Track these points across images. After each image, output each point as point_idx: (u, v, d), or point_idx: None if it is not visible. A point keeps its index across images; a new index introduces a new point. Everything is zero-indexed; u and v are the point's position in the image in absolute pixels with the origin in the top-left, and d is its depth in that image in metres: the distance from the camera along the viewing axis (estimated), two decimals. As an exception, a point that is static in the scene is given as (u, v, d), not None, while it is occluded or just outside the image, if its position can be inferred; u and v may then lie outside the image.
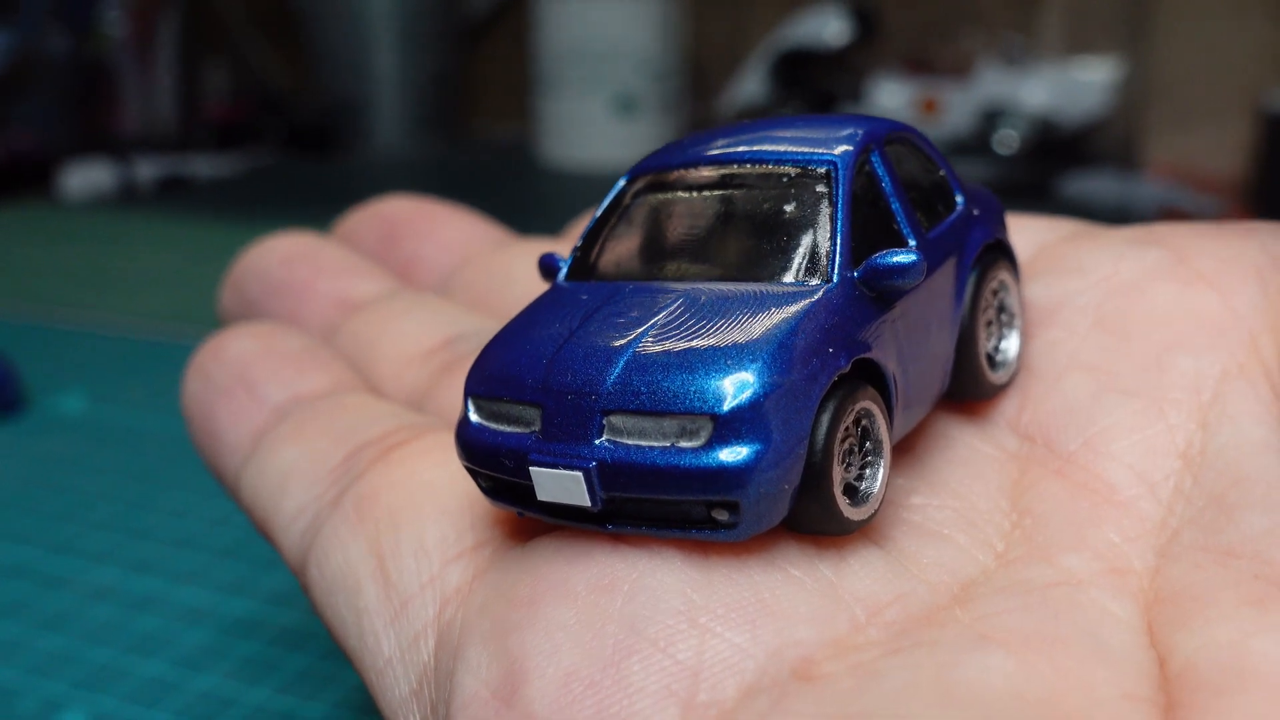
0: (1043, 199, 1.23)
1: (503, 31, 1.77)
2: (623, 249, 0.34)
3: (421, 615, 0.31)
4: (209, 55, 1.71)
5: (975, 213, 0.36)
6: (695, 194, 0.33)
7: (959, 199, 0.36)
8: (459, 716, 0.28)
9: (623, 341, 0.29)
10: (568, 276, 0.34)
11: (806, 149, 0.33)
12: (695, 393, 0.27)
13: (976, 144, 1.27)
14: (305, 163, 1.64)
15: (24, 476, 0.70)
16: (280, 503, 0.37)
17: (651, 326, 0.29)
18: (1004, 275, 0.36)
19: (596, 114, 1.45)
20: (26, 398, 0.81)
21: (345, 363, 0.44)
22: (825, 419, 0.28)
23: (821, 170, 0.32)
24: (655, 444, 0.27)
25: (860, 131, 0.33)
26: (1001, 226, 0.37)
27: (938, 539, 0.30)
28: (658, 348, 0.28)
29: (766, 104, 1.37)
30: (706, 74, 1.57)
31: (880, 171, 0.33)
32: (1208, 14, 1.27)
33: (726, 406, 0.27)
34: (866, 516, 0.29)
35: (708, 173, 0.34)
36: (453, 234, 0.52)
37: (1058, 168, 1.25)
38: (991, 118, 1.27)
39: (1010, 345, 0.36)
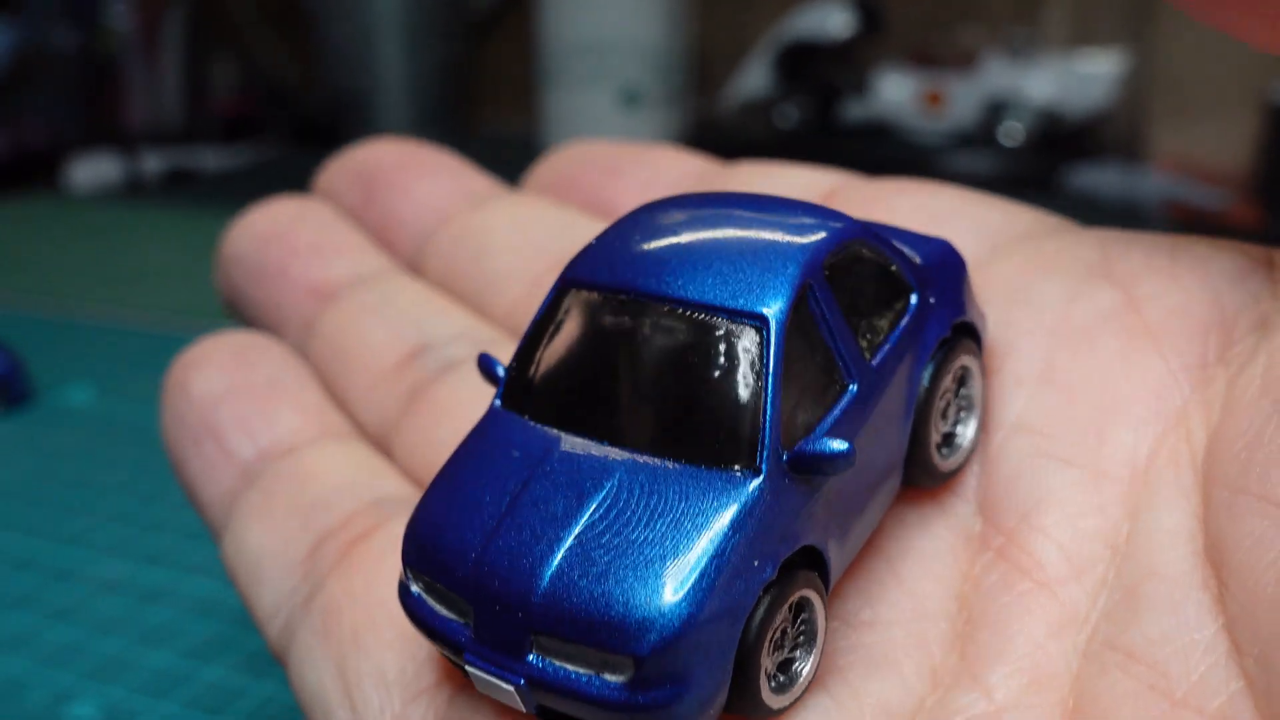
0: (1048, 191, 1.22)
1: (507, 25, 1.76)
2: (552, 382, 0.32)
3: None
4: (215, 49, 1.71)
5: (931, 301, 0.34)
6: (624, 331, 0.31)
7: (912, 297, 0.34)
8: None
9: (548, 546, 0.28)
10: (504, 400, 0.33)
11: (738, 292, 0.30)
12: (617, 630, 0.26)
13: (981, 136, 1.27)
14: (312, 156, 1.63)
15: (32, 469, 0.70)
16: (258, 594, 0.38)
17: (577, 526, 0.28)
18: (965, 360, 0.34)
19: (602, 107, 1.45)
20: (34, 391, 0.81)
21: (316, 384, 0.44)
22: (754, 624, 0.28)
23: (751, 328, 0.30)
24: (581, 670, 0.27)
25: (802, 258, 0.31)
26: (962, 300, 0.35)
27: (885, 667, 0.30)
28: (582, 562, 0.27)
29: (770, 97, 1.37)
30: (711, 67, 1.57)
31: (819, 310, 0.31)
32: (1213, 6, 1.26)
33: (647, 649, 0.26)
34: (791, 702, 0.29)
35: (637, 306, 0.31)
36: (429, 190, 0.51)
37: (1063, 160, 1.25)
38: (996, 110, 1.27)
39: (967, 430, 0.34)
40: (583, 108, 1.47)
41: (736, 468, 0.29)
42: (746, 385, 0.29)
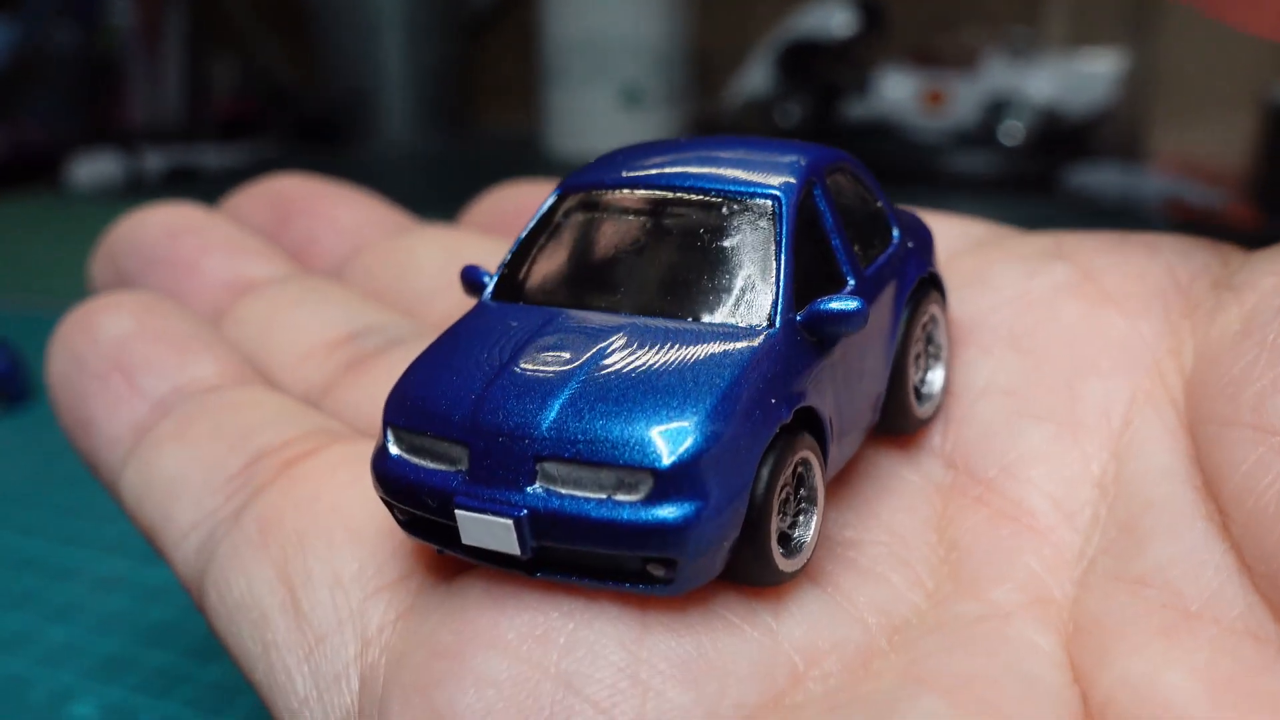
0: (1048, 191, 1.22)
1: (509, 23, 1.77)
2: (552, 271, 0.32)
3: (341, 654, 0.29)
4: (216, 47, 1.71)
5: (909, 246, 0.35)
6: (631, 219, 0.32)
7: (894, 232, 0.35)
8: None
9: (558, 381, 0.27)
10: (494, 296, 0.32)
11: (748, 179, 0.31)
12: (635, 445, 0.26)
13: (982, 136, 1.27)
14: (312, 155, 1.64)
15: (32, 469, 0.70)
16: (170, 514, 0.35)
17: (588, 366, 0.28)
18: (935, 309, 0.36)
19: (603, 106, 1.45)
20: (34, 390, 0.81)
21: (235, 351, 0.40)
22: (765, 472, 0.27)
23: (764, 204, 0.31)
24: (590, 495, 0.26)
25: (803, 162, 0.32)
26: (932, 257, 0.36)
27: (872, 578, 0.30)
28: (595, 391, 0.27)
29: (771, 96, 1.37)
30: (712, 66, 1.57)
31: (821, 206, 0.32)
32: (1214, 6, 1.26)
33: (667, 461, 0.25)
34: (799, 567, 0.29)
35: (644, 197, 0.32)
36: (348, 217, 0.49)
37: (1063, 160, 1.25)
38: (997, 109, 1.27)
39: (936, 378, 0.35)
40: (584, 106, 1.47)
41: (751, 323, 0.29)
42: (760, 252, 0.30)
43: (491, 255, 0.44)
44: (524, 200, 0.50)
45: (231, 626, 0.32)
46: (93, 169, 1.44)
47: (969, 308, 0.37)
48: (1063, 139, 1.27)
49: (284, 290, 0.43)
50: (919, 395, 0.35)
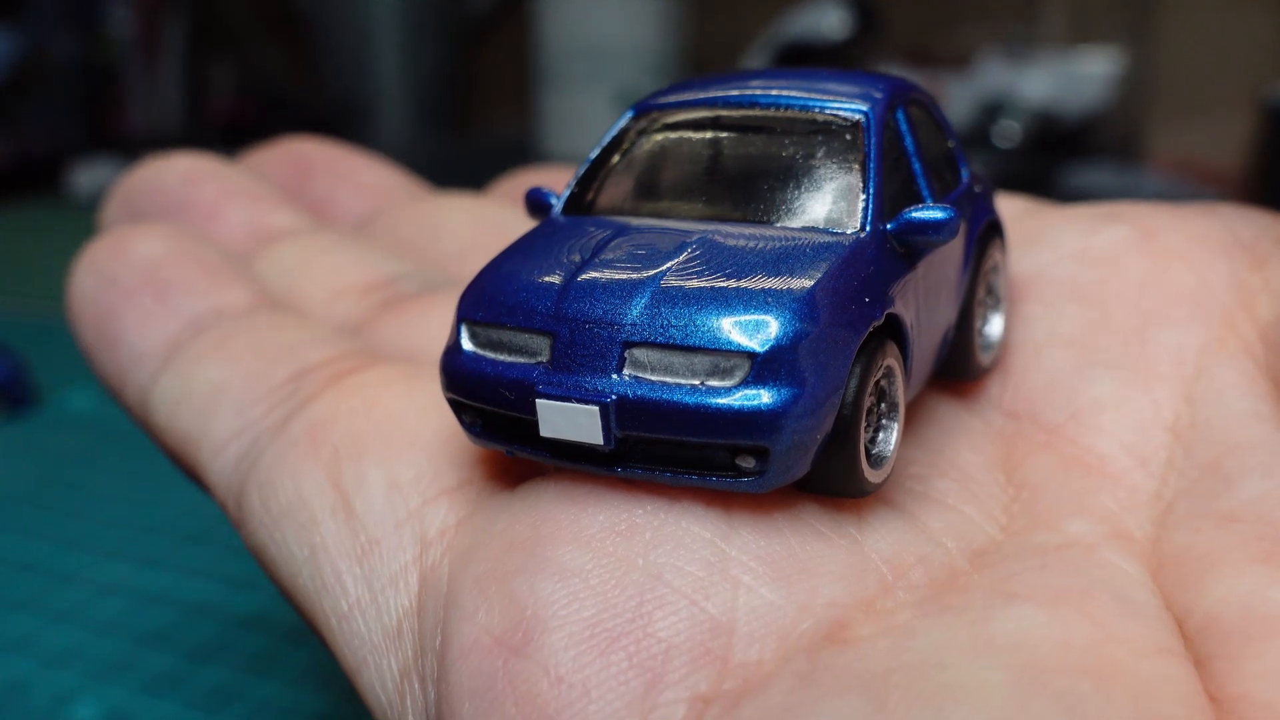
0: (1044, 192, 1.22)
1: (505, 28, 1.77)
2: (627, 186, 0.32)
3: (398, 557, 0.28)
4: (214, 54, 1.71)
5: (977, 189, 0.35)
6: (710, 134, 0.32)
7: (964, 173, 0.35)
8: (458, 666, 0.25)
9: (647, 274, 0.26)
10: (564, 212, 0.32)
11: (834, 98, 0.31)
12: (731, 329, 0.25)
13: (977, 136, 1.27)
14: (311, 160, 1.64)
15: (34, 473, 0.71)
16: (209, 424, 0.33)
17: (675, 261, 0.27)
18: (998, 256, 0.35)
19: (599, 110, 1.46)
20: (37, 395, 0.81)
21: (265, 287, 0.40)
22: (858, 371, 0.27)
23: (852, 119, 0.31)
24: (682, 381, 0.25)
25: (886, 87, 0.32)
26: (995, 204, 0.36)
27: (944, 508, 0.30)
28: (687, 282, 0.26)
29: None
30: (708, 68, 1.57)
31: (903, 129, 0.32)
32: (1209, 6, 1.27)
33: (766, 345, 0.25)
34: (882, 480, 0.28)
35: (725, 114, 0.32)
36: (369, 179, 0.49)
37: (1059, 160, 1.25)
38: (992, 110, 1.27)
39: (995, 327, 0.35)
40: (579, 110, 1.47)
41: (841, 229, 0.29)
42: (849, 163, 0.30)
43: (519, 224, 0.44)
44: (550, 180, 0.50)
45: (275, 533, 0.30)
46: (93, 176, 1.44)
47: (1027, 264, 0.36)
48: (1059, 140, 1.27)
49: (314, 237, 0.43)
50: (983, 343, 0.35)
